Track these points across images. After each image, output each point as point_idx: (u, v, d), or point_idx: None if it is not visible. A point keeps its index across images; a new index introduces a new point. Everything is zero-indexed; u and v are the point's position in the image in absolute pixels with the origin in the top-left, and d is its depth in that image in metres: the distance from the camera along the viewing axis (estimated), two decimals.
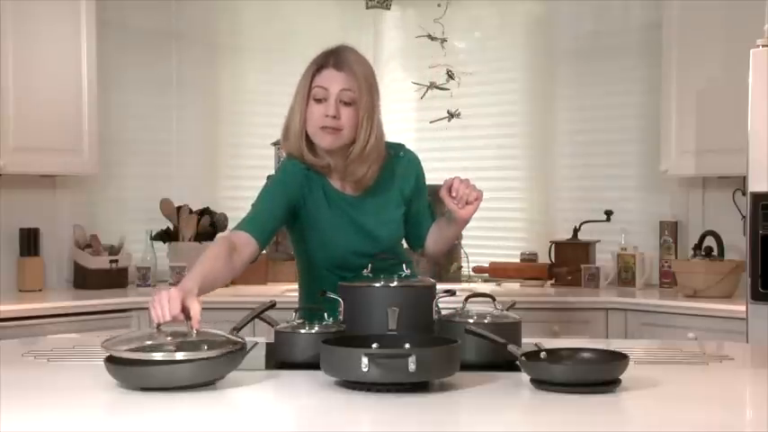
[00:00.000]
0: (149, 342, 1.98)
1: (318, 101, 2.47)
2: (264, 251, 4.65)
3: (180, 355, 1.92)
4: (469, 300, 2.31)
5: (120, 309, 3.99)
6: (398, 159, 2.63)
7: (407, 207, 2.65)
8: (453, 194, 2.41)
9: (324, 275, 2.58)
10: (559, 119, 4.87)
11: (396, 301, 2.21)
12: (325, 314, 2.27)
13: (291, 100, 2.54)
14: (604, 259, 4.55)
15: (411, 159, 2.67)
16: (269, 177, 2.75)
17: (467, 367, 2.03)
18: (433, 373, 1.92)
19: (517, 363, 2.01)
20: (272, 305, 2.30)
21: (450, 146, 4.85)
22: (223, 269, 2.31)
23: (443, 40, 4.52)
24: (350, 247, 2.56)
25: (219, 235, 2.50)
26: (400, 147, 2.67)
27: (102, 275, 4.34)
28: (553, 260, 4.59)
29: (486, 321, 2.20)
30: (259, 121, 4.98)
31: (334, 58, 2.49)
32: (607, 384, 1.93)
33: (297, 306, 2.34)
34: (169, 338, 1.98)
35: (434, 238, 2.68)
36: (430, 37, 4.47)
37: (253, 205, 2.55)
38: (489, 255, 4.77)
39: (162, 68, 4.78)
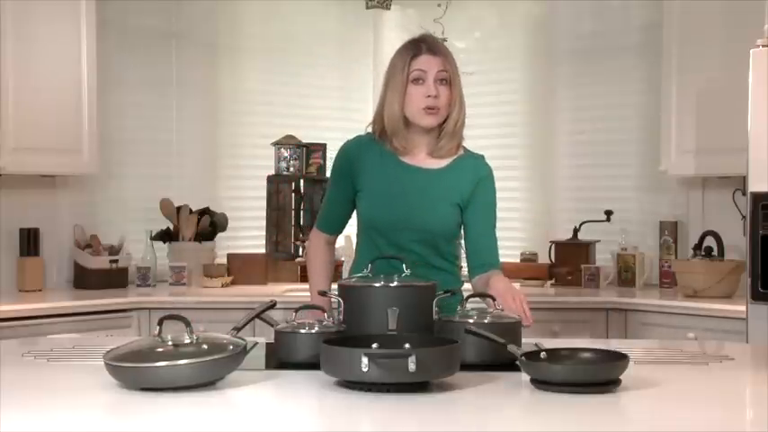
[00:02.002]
0: (149, 347, 1.98)
1: (417, 82, 2.62)
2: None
3: (180, 356, 1.92)
4: (469, 300, 2.31)
5: (120, 309, 3.99)
6: (473, 160, 2.73)
7: (463, 212, 2.67)
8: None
9: (369, 245, 2.68)
10: (559, 119, 4.88)
11: (396, 301, 2.21)
12: (326, 314, 2.30)
13: (382, 90, 2.70)
14: (604, 259, 4.55)
15: (481, 166, 2.74)
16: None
17: (467, 367, 2.03)
18: (433, 373, 1.92)
19: (517, 363, 2.01)
20: (272, 305, 2.31)
21: None
22: (331, 265, 2.85)
23: (443, 40, 4.51)
24: (393, 215, 2.63)
25: (313, 233, 2.87)
26: (480, 155, 2.77)
27: (102, 275, 4.34)
28: (553, 260, 4.60)
29: (486, 321, 2.20)
30: (259, 121, 4.99)
31: (426, 44, 2.66)
32: (607, 384, 1.93)
33: (297, 306, 2.34)
34: (170, 344, 1.98)
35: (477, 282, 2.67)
36: None
37: (324, 196, 2.87)
38: None
39: (162, 68, 4.77)
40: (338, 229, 2.82)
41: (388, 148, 2.68)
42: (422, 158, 2.68)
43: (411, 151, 2.68)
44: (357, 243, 2.78)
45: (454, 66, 2.65)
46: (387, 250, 2.58)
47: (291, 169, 4.80)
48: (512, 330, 2.20)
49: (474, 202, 2.67)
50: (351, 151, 2.74)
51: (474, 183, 2.68)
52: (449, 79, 2.63)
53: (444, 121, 2.65)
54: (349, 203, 2.74)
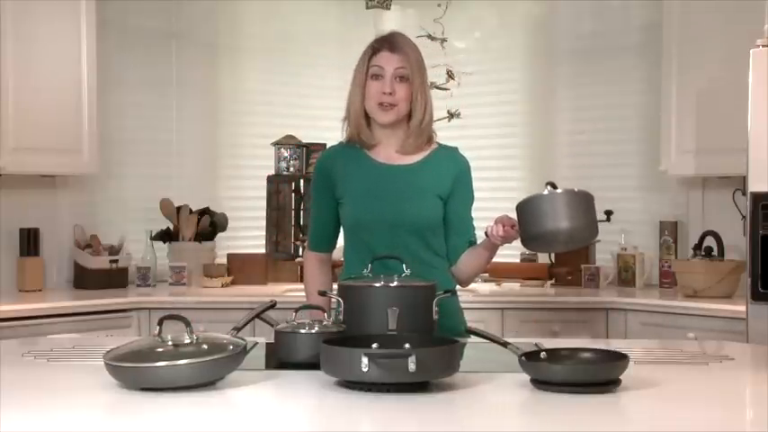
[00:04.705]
0: (149, 347, 1.98)
1: (375, 78, 2.65)
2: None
3: (180, 356, 1.92)
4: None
5: (120, 309, 3.99)
6: (448, 152, 2.77)
7: (446, 206, 2.69)
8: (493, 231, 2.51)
9: (359, 248, 2.66)
10: (559, 119, 4.88)
11: (396, 301, 2.21)
12: (325, 314, 2.31)
13: (349, 87, 2.73)
14: (604, 259, 4.55)
15: (457, 158, 2.77)
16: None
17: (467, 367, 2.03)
18: (433, 373, 1.92)
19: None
20: (272, 305, 2.31)
21: None
22: (328, 281, 2.80)
23: (443, 40, 4.52)
24: (381, 213, 2.64)
25: (307, 256, 2.89)
26: (454, 147, 2.81)
27: (102, 275, 4.34)
28: (553, 260, 4.60)
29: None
30: (259, 121, 4.99)
31: (388, 42, 2.69)
32: (607, 384, 1.93)
33: (297, 306, 2.34)
34: (170, 344, 1.98)
35: (464, 262, 2.71)
36: (430, 37, 4.46)
37: (310, 217, 2.86)
38: None
39: (162, 68, 4.77)
40: (330, 245, 2.81)
41: (361, 150, 2.70)
42: (395, 156, 2.70)
43: (380, 148, 2.70)
44: (344, 249, 2.76)
45: (416, 64, 2.67)
46: (379, 250, 2.56)
47: (291, 169, 4.80)
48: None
49: (454, 198, 2.70)
50: (326, 162, 2.77)
51: (453, 176, 2.71)
52: (407, 76, 2.64)
53: (410, 120, 2.67)
54: (335, 217, 2.74)
